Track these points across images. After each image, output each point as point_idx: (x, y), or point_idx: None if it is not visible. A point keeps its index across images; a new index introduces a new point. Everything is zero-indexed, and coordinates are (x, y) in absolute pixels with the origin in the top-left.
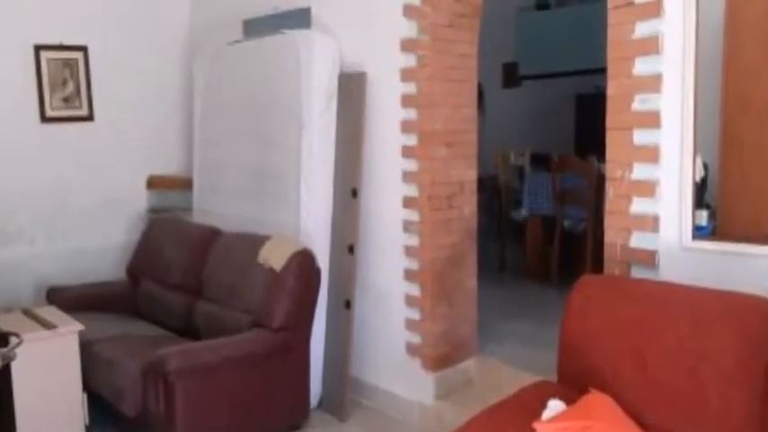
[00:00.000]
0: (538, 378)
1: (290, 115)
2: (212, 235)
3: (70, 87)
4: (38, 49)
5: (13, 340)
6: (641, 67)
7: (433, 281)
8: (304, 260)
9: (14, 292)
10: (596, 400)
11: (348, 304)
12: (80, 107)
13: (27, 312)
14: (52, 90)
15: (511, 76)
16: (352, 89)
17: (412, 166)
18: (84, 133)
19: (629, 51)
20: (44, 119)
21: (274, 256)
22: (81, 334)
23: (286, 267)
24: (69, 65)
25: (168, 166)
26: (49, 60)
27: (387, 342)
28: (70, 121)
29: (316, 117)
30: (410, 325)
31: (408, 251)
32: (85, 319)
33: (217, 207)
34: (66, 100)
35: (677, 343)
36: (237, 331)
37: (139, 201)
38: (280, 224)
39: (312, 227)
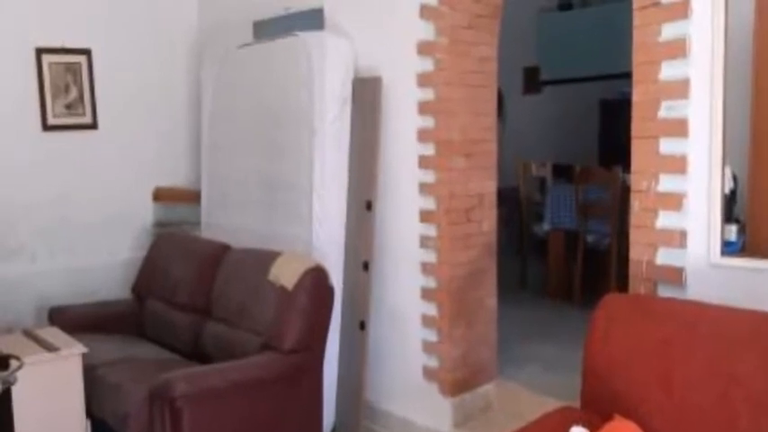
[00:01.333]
0: (560, 404)
1: (301, 122)
2: (221, 251)
3: (73, 93)
4: (39, 52)
5: (14, 363)
6: (668, 71)
7: (451, 300)
8: (317, 278)
9: (15, 311)
10: (621, 428)
11: (363, 325)
12: (83, 114)
13: (28, 333)
14: (54, 96)
15: (532, 81)
16: (366, 95)
17: (429, 177)
18: (88, 142)
19: (655, 55)
20: (46, 127)
21: (285, 274)
22: (84, 357)
23: (298, 286)
24: (72, 69)
25: (175, 177)
26: (51, 64)
27: (403, 365)
28: (73, 129)
29: (328, 124)
30: (427, 347)
31: (425, 268)
32: (89, 341)
33: (226, 221)
34: (68, 107)
35: (706, 366)
36: (247, 354)
37: (145, 214)
38: (291, 238)
39: (325, 242)
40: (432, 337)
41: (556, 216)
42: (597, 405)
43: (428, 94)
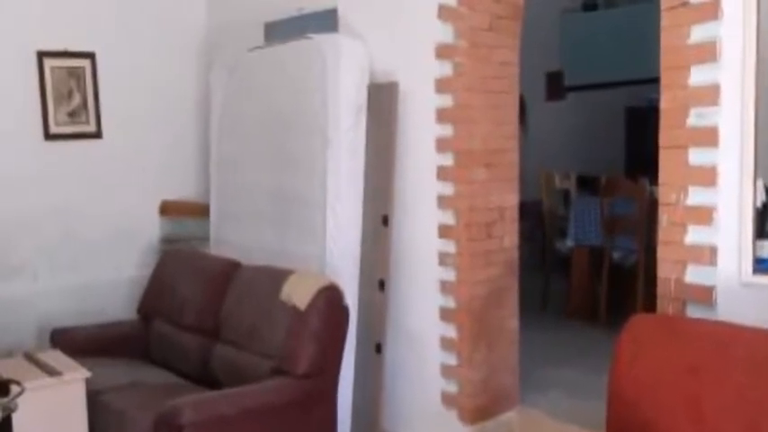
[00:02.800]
0: None
1: (314, 131)
2: (231, 269)
3: (76, 100)
4: (41, 55)
5: (15, 389)
6: (697, 76)
7: (470, 321)
8: (330, 297)
9: (15, 333)
10: None
11: (379, 348)
12: (87, 122)
13: (29, 357)
14: (57, 103)
15: (555, 86)
16: (381, 101)
17: (448, 189)
18: (92, 152)
19: (683, 59)
20: (48, 136)
21: (298, 293)
22: (88, 382)
23: (311, 306)
24: (75, 74)
25: (183, 190)
26: (53, 69)
27: (420, 391)
28: (76, 138)
29: (343, 133)
30: (446, 371)
31: (444, 287)
32: (93, 365)
33: (236, 236)
34: (71, 114)
35: (736, 392)
36: (258, 378)
37: (152, 229)
38: (304, 255)
39: (339, 259)
40: (451, 360)
41: (580, 231)
42: None
43: (447, 101)
